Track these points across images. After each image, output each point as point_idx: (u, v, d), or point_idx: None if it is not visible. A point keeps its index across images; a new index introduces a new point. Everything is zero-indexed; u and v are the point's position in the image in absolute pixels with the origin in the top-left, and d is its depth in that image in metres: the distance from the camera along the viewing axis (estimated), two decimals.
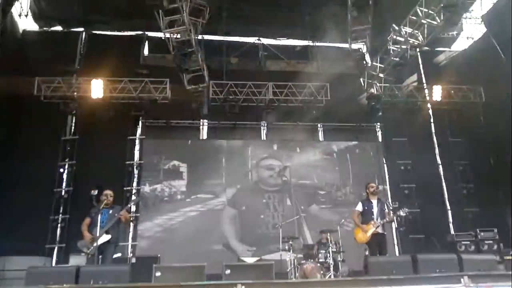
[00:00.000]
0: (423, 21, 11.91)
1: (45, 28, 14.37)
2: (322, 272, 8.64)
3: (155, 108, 12.98)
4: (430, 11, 11.64)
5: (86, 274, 5.34)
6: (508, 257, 9.96)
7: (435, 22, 11.79)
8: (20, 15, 13.59)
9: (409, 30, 12.28)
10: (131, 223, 11.91)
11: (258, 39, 15.56)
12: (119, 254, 9.39)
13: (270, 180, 13.56)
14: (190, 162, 13.38)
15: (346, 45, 14.74)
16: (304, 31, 15.18)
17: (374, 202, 8.08)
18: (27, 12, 13.74)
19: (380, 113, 13.89)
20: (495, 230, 10.54)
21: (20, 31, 13.83)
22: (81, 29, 14.62)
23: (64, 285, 4.93)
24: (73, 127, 13.03)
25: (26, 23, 13.93)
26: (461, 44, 15.81)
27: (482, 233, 10.52)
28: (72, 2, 13.49)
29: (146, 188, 12.88)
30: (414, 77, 15.03)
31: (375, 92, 13.70)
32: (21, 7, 13.51)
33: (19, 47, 13.30)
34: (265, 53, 15.58)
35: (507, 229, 12.10)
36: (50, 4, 13.74)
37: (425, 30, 12.10)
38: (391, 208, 8.06)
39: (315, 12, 14.26)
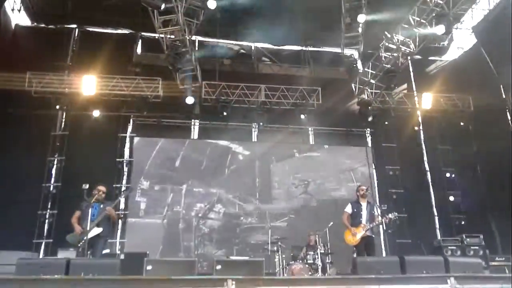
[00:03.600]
0: (415, 29, 12.11)
1: (37, 24, 14.25)
2: (310, 273, 8.69)
3: (147, 106, 12.96)
4: (422, 20, 11.85)
5: (76, 267, 5.27)
6: (494, 263, 10.12)
7: (426, 31, 12.00)
8: (13, 10, 13.48)
9: (401, 38, 12.47)
10: (120, 220, 11.85)
11: (252, 43, 15.60)
12: (107, 250, 9.34)
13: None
14: (181, 161, 13.35)
15: (339, 50, 14.92)
16: (298, 36, 15.28)
17: (364, 204, 8.13)
18: (20, 7, 13.65)
19: (371, 119, 14.03)
20: (481, 237, 10.68)
21: (13, 25, 13.71)
22: (74, 25, 14.51)
23: (55, 276, 4.88)
24: (63, 123, 12.97)
25: (18, 18, 13.81)
26: (452, 54, 16.07)
27: (468, 239, 10.66)
28: None
29: (144, 185, 12.85)
30: (405, 85, 15.22)
31: (366, 98, 13.84)
32: (14, 1, 13.43)
33: (11, 42, 13.18)
34: (258, 56, 15.65)
35: (493, 236, 12.33)
36: None
37: (417, 38, 12.30)
38: (380, 211, 8.13)
39: (309, 17, 14.41)
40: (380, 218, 7.89)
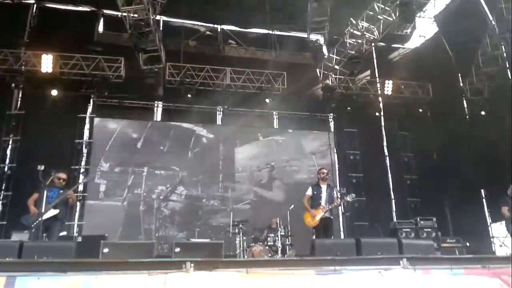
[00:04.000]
0: (379, 16, 12.28)
1: None
2: (270, 254, 8.86)
3: (108, 86, 12.66)
4: (386, 8, 12.03)
5: (29, 249, 5.14)
6: (445, 245, 10.59)
7: (390, 19, 12.20)
8: None
9: (365, 24, 12.63)
10: (78, 202, 11.64)
11: (218, 24, 15.39)
12: (64, 233, 9.16)
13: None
14: (143, 143, 13.18)
15: (305, 35, 14.97)
16: (264, 19, 15.19)
17: (324, 187, 8.28)
18: None
19: (334, 104, 14.20)
20: (434, 219, 11.12)
21: None
22: (32, 0, 13.88)
23: (7, 258, 4.75)
24: (19, 102, 12.47)
25: None
26: (414, 42, 16.41)
27: (422, 222, 11.07)
28: None
29: (104, 167, 12.59)
30: (368, 71, 15.47)
31: (330, 83, 14.03)
32: None
33: None
34: (224, 38, 15.48)
35: (446, 218, 12.89)
36: None
37: (381, 25, 12.49)
38: (339, 193, 8.32)
39: (276, 1, 14.36)
40: (338, 200, 8.08)
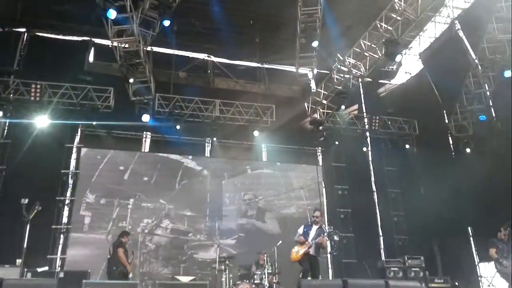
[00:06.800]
0: (365, 53, 12.57)
1: None
2: None
3: (97, 116, 12.58)
4: (372, 45, 12.32)
5: (10, 287, 5.01)
6: (433, 285, 10.51)
7: (376, 56, 12.49)
8: None
9: (352, 61, 12.91)
10: (62, 235, 11.43)
11: (208, 56, 15.58)
12: (46, 268, 8.92)
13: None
14: (130, 175, 13.04)
15: (293, 69, 15.20)
16: (253, 52, 15.44)
17: (314, 228, 8.50)
18: None
19: (322, 138, 14.33)
20: (422, 258, 11.10)
21: None
22: (23, 29, 13.91)
23: None
24: (6, 130, 12.28)
25: None
26: (400, 78, 16.77)
27: (409, 261, 11.05)
28: (16, 0, 12.89)
29: (90, 199, 12.40)
30: (356, 106, 15.69)
31: (318, 117, 14.16)
32: None
33: None
34: (214, 70, 15.63)
35: (434, 257, 12.83)
36: None
37: (367, 62, 12.76)
38: (325, 232, 8.38)
39: (266, 35, 14.64)
40: (324, 238, 8.14)
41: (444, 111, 14.73)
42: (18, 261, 7.93)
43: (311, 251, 8.21)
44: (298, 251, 8.30)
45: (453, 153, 14.28)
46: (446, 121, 14.51)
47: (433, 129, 14.74)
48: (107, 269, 8.94)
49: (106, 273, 8.82)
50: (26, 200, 7.07)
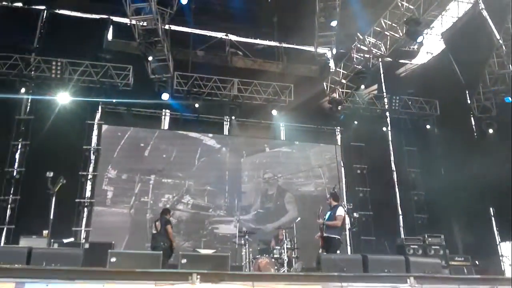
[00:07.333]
0: (386, 33, 12.34)
1: (4, 3, 13.65)
2: (276, 267, 8.78)
3: (116, 94, 12.70)
4: (393, 24, 12.09)
5: (38, 256, 5.15)
6: (453, 263, 10.47)
7: (397, 35, 12.26)
8: None
9: (372, 40, 12.70)
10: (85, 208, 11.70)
11: (226, 35, 15.49)
12: (71, 239, 9.14)
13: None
14: (151, 151, 13.18)
15: (312, 49, 15.05)
16: (272, 31, 15.28)
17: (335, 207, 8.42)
18: None
19: (341, 117, 14.20)
20: (442, 237, 11.01)
21: None
22: (43, 7, 14.00)
23: (16, 265, 4.73)
24: (28, 106, 12.50)
25: None
26: (421, 58, 16.45)
27: (429, 239, 10.94)
28: None
29: (112, 174, 12.59)
30: (375, 85, 15.49)
31: (337, 97, 14.04)
32: None
33: None
34: (232, 49, 15.55)
35: (454, 236, 12.76)
36: None
37: (388, 41, 12.54)
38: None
39: (284, 14, 14.46)
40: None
41: (467, 91, 14.48)
42: (45, 232, 8.18)
43: (325, 233, 8.18)
44: (319, 238, 8.35)
45: (475, 134, 14.08)
46: (469, 101, 14.27)
47: (454, 109, 14.52)
48: (152, 243, 9.24)
49: (151, 248, 9.11)
50: (51, 173, 7.20)
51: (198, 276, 4.86)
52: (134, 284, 4.81)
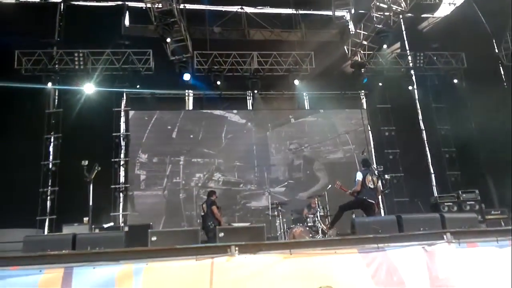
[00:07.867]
0: None
1: None
2: (311, 235, 8.89)
3: (139, 79, 12.86)
4: None
5: (82, 241, 5.42)
6: (490, 217, 10.34)
7: None
8: None
9: None
10: (121, 193, 12.11)
11: (241, 8, 15.32)
12: (111, 224, 9.48)
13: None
14: (178, 133, 13.40)
15: (330, 13, 14.72)
16: None
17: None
18: None
19: (365, 81, 13.98)
20: (477, 192, 10.87)
21: None
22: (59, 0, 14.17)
23: (63, 251, 4.99)
24: (56, 100, 12.86)
25: None
26: (444, 10, 15.84)
27: (464, 195, 10.83)
28: None
29: (143, 158, 12.92)
30: (398, 44, 15.10)
31: (359, 59, 13.78)
32: None
33: None
34: (248, 22, 15.40)
35: (488, 190, 12.54)
36: None
37: None
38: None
39: None
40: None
41: (494, 40, 13.94)
42: (85, 219, 8.52)
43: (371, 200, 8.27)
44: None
45: (504, 84, 13.62)
46: (496, 50, 13.76)
47: (482, 60, 13.99)
48: (202, 224, 9.70)
49: (202, 228, 9.43)
50: (86, 162, 7.44)
51: (237, 248, 4.94)
52: (175, 260, 4.97)
